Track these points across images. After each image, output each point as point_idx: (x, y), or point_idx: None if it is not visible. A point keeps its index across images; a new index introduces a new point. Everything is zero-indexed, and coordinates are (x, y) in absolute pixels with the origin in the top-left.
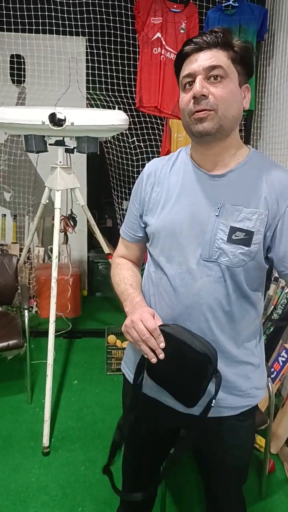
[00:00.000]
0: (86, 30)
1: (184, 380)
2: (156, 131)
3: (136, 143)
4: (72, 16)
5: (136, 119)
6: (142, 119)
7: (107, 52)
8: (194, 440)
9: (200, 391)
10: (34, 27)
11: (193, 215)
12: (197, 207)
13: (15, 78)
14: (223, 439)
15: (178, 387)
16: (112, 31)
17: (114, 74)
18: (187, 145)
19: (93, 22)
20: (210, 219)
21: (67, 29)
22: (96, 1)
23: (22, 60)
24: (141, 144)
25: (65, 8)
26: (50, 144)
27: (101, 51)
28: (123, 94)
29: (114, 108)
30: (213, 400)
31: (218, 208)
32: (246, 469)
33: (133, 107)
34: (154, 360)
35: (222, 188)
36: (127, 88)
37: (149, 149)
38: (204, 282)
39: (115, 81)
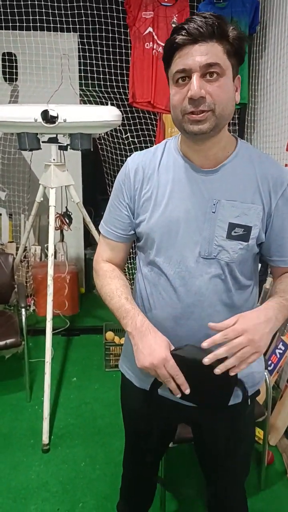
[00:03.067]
0: (78, 26)
1: (211, 394)
2: (150, 127)
3: (130, 139)
4: (63, 12)
5: (129, 115)
6: (135, 114)
7: (99, 48)
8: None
9: (230, 396)
10: (25, 24)
11: (189, 212)
12: (191, 204)
13: (7, 76)
14: (229, 427)
15: (206, 401)
16: (104, 27)
17: (107, 70)
18: (170, 138)
19: (84, 18)
20: (206, 216)
21: (59, 25)
22: None
23: (14, 58)
24: (135, 139)
25: (56, 4)
26: (43, 142)
27: (93, 47)
28: (115, 90)
29: (107, 104)
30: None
31: (214, 205)
32: (249, 457)
33: (126, 102)
34: (179, 395)
35: (216, 183)
36: (120, 84)
37: (143, 145)
38: (204, 280)
39: (107, 77)
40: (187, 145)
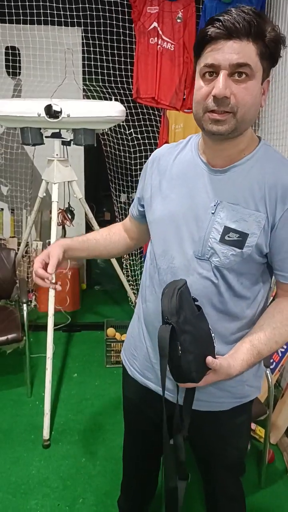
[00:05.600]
0: (82, 21)
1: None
2: (154, 123)
3: (134, 134)
4: (67, 6)
5: (133, 111)
6: (139, 110)
7: (103, 43)
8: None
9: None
10: (29, 18)
11: (190, 209)
12: (194, 201)
13: (11, 70)
14: (214, 435)
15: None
16: (108, 21)
17: (111, 65)
18: (197, 134)
19: (89, 13)
20: (206, 216)
21: (63, 19)
22: None
23: (17, 52)
24: (139, 135)
25: None
26: (46, 137)
27: (97, 42)
28: (119, 85)
29: (110, 100)
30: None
31: (215, 205)
32: (240, 464)
33: (130, 98)
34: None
35: (222, 184)
36: (124, 79)
37: (146, 141)
38: (195, 279)
39: (111, 72)
40: (205, 142)
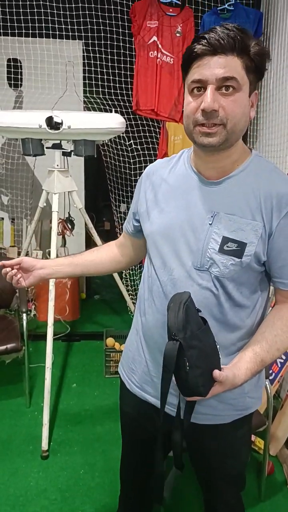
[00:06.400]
0: (83, 34)
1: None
2: (153, 134)
3: (133, 146)
4: (68, 20)
5: (133, 122)
6: (139, 122)
7: (103, 56)
8: (177, 442)
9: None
10: (30, 31)
11: (187, 221)
12: (191, 213)
13: (12, 82)
14: (215, 448)
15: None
16: (109, 35)
17: (111, 77)
18: (188, 148)
19: (89, 26)
20: (203, 227)
21: (64, 33)
22: (93, 5)
23: (19, 64)
24: (138, 147)
25: (62, 12)
26: (47, 148)
27: (97, 55)
28: (120, 97)
29: (111, 111)
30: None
31: (212, 217)
32: (241, 477)
33: (130, 110)
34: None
35: (218, 196)
36: (124, 91)
37: (146, 152)
38: (195, 291)
39: (111, 84)
40: (198, 155)
